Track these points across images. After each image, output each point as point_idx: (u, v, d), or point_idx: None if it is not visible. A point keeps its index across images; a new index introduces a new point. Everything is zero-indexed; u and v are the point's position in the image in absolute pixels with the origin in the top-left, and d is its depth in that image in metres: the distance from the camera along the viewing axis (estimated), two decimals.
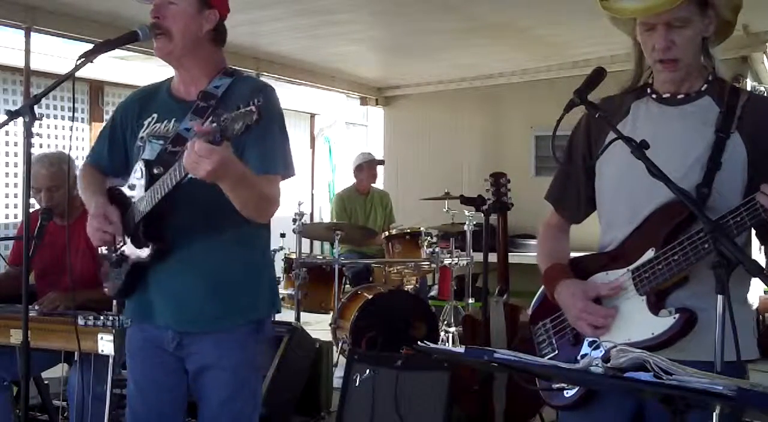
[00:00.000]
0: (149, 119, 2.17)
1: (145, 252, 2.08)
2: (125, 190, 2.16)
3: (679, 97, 1.80)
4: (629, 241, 1.80)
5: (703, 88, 1.79)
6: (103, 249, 2.24)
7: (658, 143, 1.63)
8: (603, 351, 1.76)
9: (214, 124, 1.74)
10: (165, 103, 2.18)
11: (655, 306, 1.72)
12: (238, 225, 2.07)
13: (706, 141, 1.72)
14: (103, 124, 4.45)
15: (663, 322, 1.69)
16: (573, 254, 1.99)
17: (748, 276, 1.55)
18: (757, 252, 1.78)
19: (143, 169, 2.07)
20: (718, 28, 1.78)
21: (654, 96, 1.84)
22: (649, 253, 1.73)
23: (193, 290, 2.09)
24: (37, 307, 3.11)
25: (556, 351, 1.91)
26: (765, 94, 6.71)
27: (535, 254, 2.07)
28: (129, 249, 2.13)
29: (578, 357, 1.82)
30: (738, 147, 1.71)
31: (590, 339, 1.83)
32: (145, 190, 2.04)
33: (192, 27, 2.08)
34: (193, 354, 2.14)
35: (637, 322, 1.73)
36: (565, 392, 1.86)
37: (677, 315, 1.68)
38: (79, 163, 4.31)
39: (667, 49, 1.71)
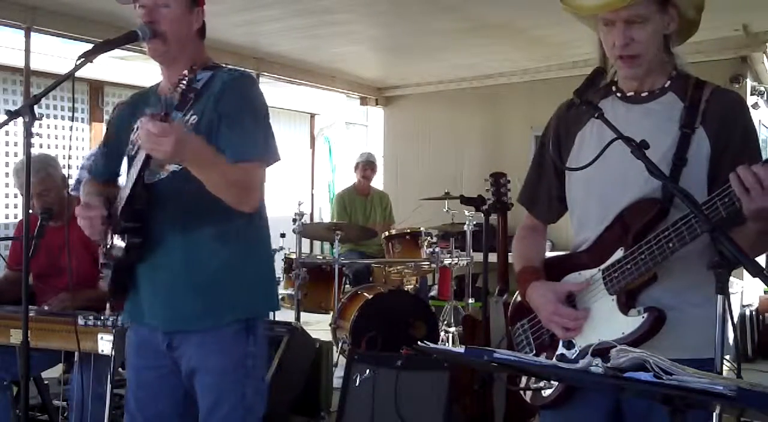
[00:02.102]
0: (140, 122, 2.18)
1: (122, 248, 2.08)
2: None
3: (643, 94, 1.80)
4: (600, 241, 1.80)
5: (666, 85, 1.79)
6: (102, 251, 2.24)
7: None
8: (577, 351, 1.79)
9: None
10: (153, 104, 2.19)
11: (626, 305, 1.72)
12: (220, 220, 2.05)
13: (671, 137, 1.72)
14: (103, 124, 4.47)
15: (632, 322, 1.70)
16: (556, 253, 2.00)
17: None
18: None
19: (126, 165, 2.10)
20: (681, 27, 1.78)
21: (619, 94, 1.84)
22: (619, 253, 1.73)
23: (175, 287, 2.07)
24: (46, 307, 3.11)
25: (534, 352, 1.92)
26: (763, 96, 6.71)
27: None
28: (116, 247, 2.13)
29: (555, 357, 1.85)
30: (702, 142, 1.71)
31: (563, 340, 1.84)
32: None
33: (184, 28, 2.09)
34: (183, 356, 2.11)
35: (608, 322, 1.74)
36: (543, 391, 1.88)
37: (646, 314, 1.69)
38: (72, 162, 4.33)
39: (626, 46, 1.72)
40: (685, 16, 1.77)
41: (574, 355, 1.80)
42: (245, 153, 1.99)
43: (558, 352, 1.86)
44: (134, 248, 2.06)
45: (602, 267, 1.76)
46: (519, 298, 2.00)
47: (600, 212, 1.81)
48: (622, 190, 1.75)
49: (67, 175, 3.46)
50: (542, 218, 2.04)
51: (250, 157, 2.00)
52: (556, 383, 1.84)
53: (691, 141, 1.71)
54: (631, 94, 1.82)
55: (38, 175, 3.26)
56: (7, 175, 7.40)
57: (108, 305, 2.79)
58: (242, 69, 2.28)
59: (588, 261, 1.81)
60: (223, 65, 2.22)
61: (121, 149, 2.23)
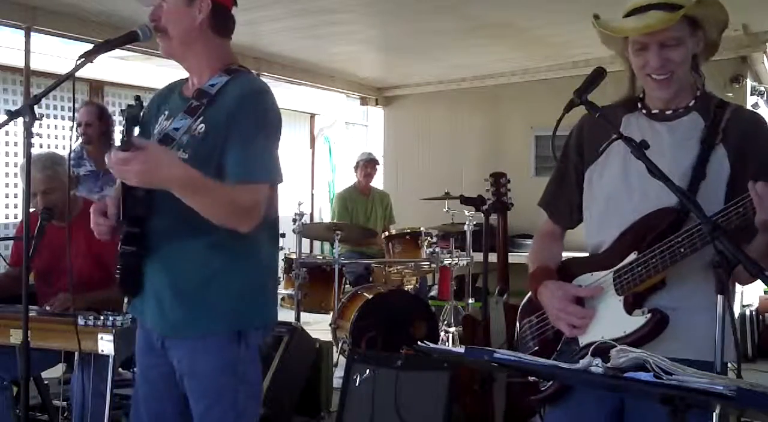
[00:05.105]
0: (162, 117, 2.15)
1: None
2: None
3: (668, 112, 1.86)
4: (616, 245, 1.85)
5: (691, 104, 1.85)
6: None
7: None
8: (577, 349, 1.83)
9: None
10: (175, 101, 2.15)
11: (632, 306, 1.77)
12: (217, 230, 1.96)
13: (692, 153, 1.78)
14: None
15: (635, 321, 1.75)
16: (569, 254, 2.04)
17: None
18: None
19: None
20: (704, 48, 1.84)
21: (644, 111, 1.89)
22: (632, 256, 1.78)
23: (167, 292, 2.05)
24: (48, 308, 3.10)
25: (537, 347, 1.97)
26: (763, 96, 6.70)
27: None
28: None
29: (556, 353, 1.90)
30: (722, 159, 1.77)
31: (567, 337, 1.88)
32: None
33: (184, 21, 2.04)
34: (174, 358, 2.10)
35: (611, 321, 1.79)
36: (540, 385, 1.93)
37: (649, 315, 1.74)
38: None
39: (661, 67, 1.77)
40: (709, 38, 1.82)
41: (575, 354, 1.82)
42: (252, 174, 1.97)
43: (558, 348, 1.90)
44: (127, 254, 2.05)
45: (614, 269, 1.81)
46: (529, 297, 2.04)
47: (617, 220, 1.85)
48: (641, 204, 1.80)
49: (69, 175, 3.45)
50: (562, 224, 2.10)
51: (257, 178, 1.97)
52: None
53: (710, 157, 1.77)
54: (657, 111, 1.87)
55: (45, 173, 3.25)
56: (7, 175, 7.40)
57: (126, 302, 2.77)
58: (258, 79, 2.19)
59: (603, 263, 1.85)
60: (243, 68, 2.14)
61: None
